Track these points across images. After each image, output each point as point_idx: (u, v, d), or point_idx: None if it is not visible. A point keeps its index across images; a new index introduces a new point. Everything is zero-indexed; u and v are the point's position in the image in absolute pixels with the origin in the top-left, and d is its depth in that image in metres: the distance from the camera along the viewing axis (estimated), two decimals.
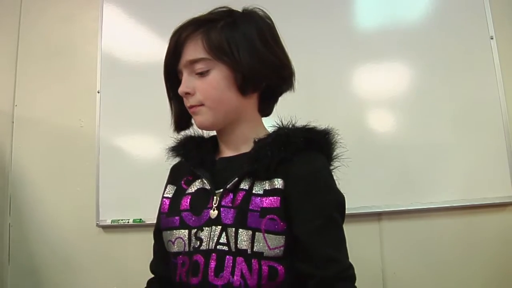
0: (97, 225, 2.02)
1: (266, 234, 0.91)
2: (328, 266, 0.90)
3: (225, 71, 0.98)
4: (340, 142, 1.02)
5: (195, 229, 0.98)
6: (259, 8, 1.05)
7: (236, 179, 0.96)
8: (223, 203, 0.96)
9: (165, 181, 1.16)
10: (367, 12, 1.95)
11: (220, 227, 0.94)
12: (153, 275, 1.15)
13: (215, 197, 0.98)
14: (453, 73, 1.81)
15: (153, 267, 1.15)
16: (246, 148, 1.02)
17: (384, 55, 1.88)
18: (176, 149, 1.11)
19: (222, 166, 1.04)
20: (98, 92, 2.10)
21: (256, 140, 1.00)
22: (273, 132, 1.02)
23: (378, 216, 1.81)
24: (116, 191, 2.02)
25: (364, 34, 1.93)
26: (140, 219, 1.90)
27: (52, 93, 2.22)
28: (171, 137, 1.11)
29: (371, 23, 1.94)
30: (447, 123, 1.79)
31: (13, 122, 2.25)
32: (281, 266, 0.92)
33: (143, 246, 1.88)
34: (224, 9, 1.05)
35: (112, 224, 1.96)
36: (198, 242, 0.96)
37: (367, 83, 1.89)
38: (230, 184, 0.96)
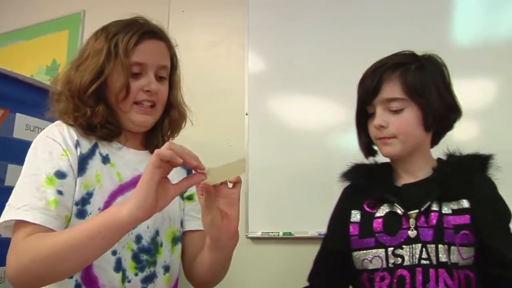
0: (247, 237, 2.17)
1: (460, 247, 1.11)
2: None
3: (416, 111, 1.17)
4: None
5: (392, 248, 1.15)
6: (436, 55, 1.24)
7: (429, 202, 1.15)
8: (418, 223, 1.14)
9: (337, 202, 1.36)
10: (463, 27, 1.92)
11: (420, 244, 1.13)
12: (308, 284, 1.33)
13: (411, 219, 1.15)
14: None
15: (314, 279, 1.33)
16: (423, 174, 1.22)
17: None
18: (351, 175, 1.31)
19: (407, 191, 1.21)
20: (247, 114, 2.26)
21: (435, 168, 1.21)
22: (447, 159, 1.23)
23: None
24: (266, 205, 2.15)
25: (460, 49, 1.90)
26: (290, 232, 2.03)
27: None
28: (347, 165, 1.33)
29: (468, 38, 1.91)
30: None
31: None
32: (472, 273, 1.12)
33: (292, 259, 2.01)
34: (408, 52, 1.23)
35: (262, 236, 2.10)
36: (400, 259, 1.13)
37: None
38: (424, 207, 1.15)
